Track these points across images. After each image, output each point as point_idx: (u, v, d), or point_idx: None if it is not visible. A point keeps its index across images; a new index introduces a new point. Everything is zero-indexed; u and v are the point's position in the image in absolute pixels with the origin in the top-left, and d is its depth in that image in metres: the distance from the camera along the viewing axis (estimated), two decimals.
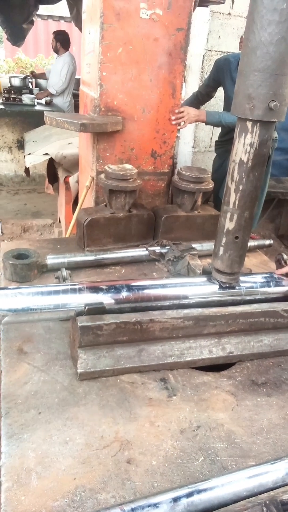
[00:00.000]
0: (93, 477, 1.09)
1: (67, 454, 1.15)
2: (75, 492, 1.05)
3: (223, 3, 2.53)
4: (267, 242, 2.52)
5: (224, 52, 3.80)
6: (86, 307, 1.40)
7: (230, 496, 1.00)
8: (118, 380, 1.43)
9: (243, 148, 1.36)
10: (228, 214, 1.48)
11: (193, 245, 2.19)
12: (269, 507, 0.92)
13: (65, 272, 1.68)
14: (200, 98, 3.32)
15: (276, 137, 3.02)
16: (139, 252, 2.20)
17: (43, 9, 7.10)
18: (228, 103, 3.04)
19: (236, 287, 1.60)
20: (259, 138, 1.33)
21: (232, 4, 3.55)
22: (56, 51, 6.05)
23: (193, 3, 2.13)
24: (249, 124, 1.32)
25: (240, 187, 1.42)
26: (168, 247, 2.19)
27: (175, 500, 0.96)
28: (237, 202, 1.44)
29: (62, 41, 5.96)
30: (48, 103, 6.10)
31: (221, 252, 1.55)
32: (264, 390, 1.47)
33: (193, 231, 2.35)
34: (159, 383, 1.44)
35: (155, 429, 1.26)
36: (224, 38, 3.76)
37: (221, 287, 1.57)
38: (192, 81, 3.96)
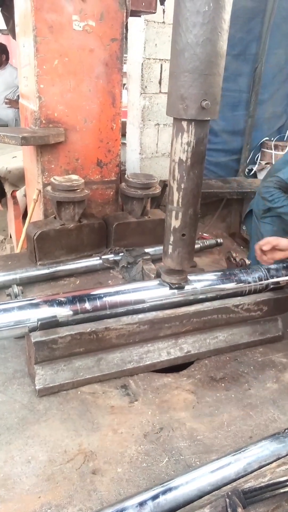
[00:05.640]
0: (58, 493, 1.08)
1: (30, 473, 1.13)
2: (41, 511, 1.03)
3: (154, 12, 2.59)
4: (218, 240, 2.60)
5: (162, 59, 3.88)
6: (39, 322, 1.38)
7: (194, 492, 1.02)
8: (79, 392, 1.42)
9: (181, 147, 1.40)
10: (173, 213, 1.51)
11: (146, 250, 2.23)
12: (232, 498, 0.94)
13: (16, 289, 1.65)
14: None
15: None
16: (93, 261, 2.20)
17: None
18: None
19: (185, 286, 1.62)
20: (195, 137, 1.37)
21: (164, 14, 3.63)
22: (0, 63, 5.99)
23: (124, 14, 2.18)
24: (184, 123, 1.36)
25: (182, 185, 1.45)
26: (122, 254, 2.20)
27: (141, 504, 0.97)
28: (180, 200, 1.48)
29: (6, 53, 5.92)
30: None
31: (170, 250, 1.57)
32: (223, 384, 1.51)
33: (145, 236, 2.38)
34: (120, 390, 1.45)
35: (118, 436, 1.26)
36: (160, 46, 3.83)
37: (171, 288, 1.60)
38: (133, 88, 4.01)
